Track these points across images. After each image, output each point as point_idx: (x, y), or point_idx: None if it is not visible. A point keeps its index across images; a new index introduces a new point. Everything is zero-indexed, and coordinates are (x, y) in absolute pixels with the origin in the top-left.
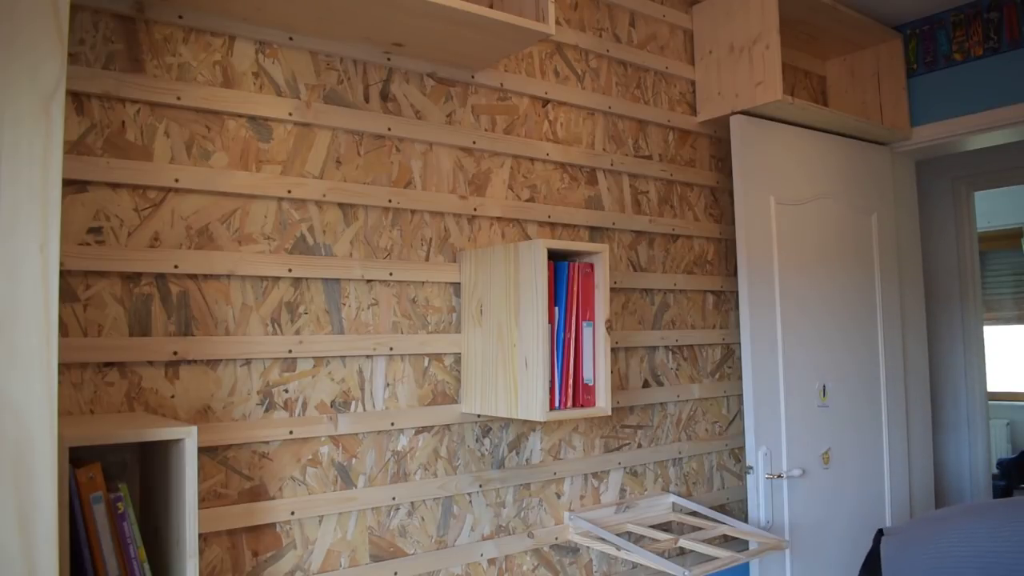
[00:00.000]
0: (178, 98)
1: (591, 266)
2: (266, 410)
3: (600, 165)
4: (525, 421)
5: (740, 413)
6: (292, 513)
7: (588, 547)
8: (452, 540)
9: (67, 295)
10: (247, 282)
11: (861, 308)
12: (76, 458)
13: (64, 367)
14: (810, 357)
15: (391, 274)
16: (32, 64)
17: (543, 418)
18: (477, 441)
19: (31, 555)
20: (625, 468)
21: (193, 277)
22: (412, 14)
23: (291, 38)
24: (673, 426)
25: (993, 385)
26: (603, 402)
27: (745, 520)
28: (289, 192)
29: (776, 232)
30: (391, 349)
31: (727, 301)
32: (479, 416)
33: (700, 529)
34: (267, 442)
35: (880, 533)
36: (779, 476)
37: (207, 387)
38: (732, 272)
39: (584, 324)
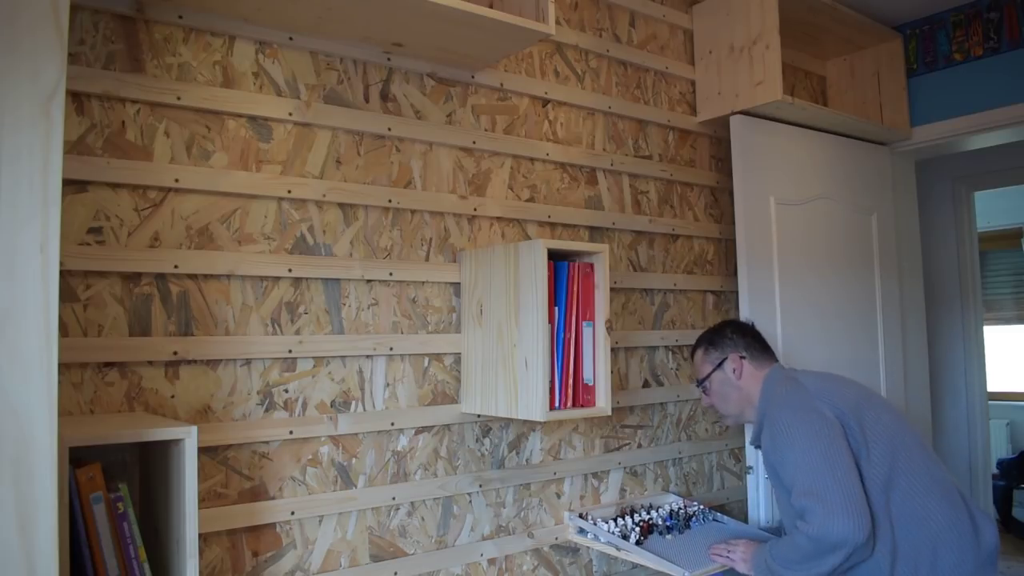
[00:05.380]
0: (178, 98)
1: (591, 266)
2: (266, 410)
3: (600, 165)
4: (525, 421)
5: None
6: (292, 513)
7: (588, 547)
8: (452, 540)
9: (67, 295)
10: (247, 282)
11: (861, 308)
12: (76, 458)
13: (64, 367)
14: (810, 357)
15: (391, 274)
16: (32, 66)
17: (543, 418)
18: (477, 441)
19: (31, 555)
20: (625, 468)
21: (193, 277)
22: (412, 14)
23: (291, 38)
24: (673, 426)
25: (993, 385)
26: (603, 402)
27: (745, 520)
28: (289, 192)
29: (776, 232)
30: (391, 349)
31: (727, 301)
32: (479, 416)
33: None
34: (267, 442)
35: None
36: None
37: (207, 387)
38: (732, 272)
39: (584, 324)
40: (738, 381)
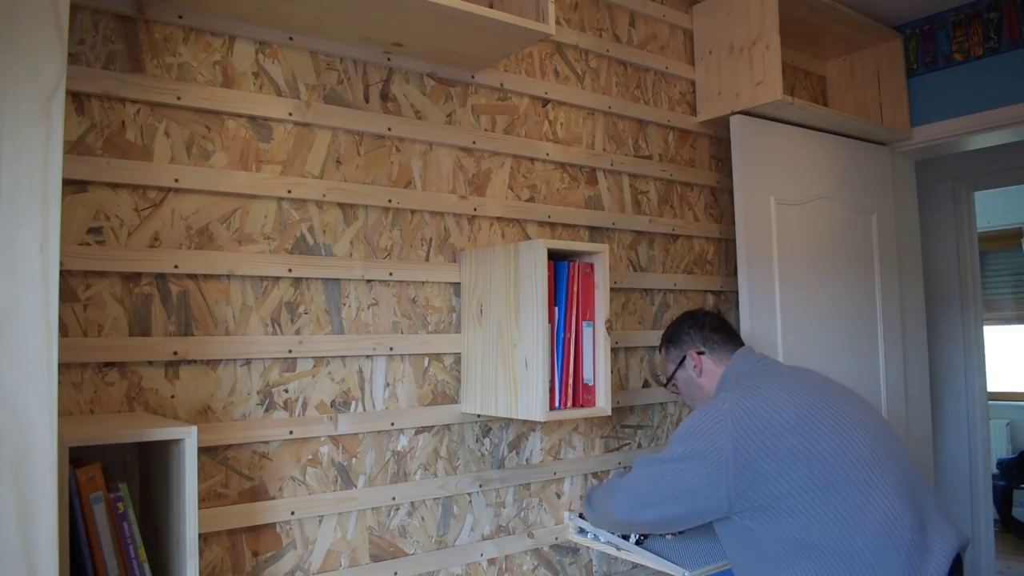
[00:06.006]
0: (178, 98)
1: (591, 266)
2: (266, 410)
3: (600, 165)
4: (525, 421)
5: None
6: (292, 513)
7: (588, 547)
8: (452, 540)
9: (67, 295)
10: (247, 282)
11: (861, 308)
12: (76, 458)
13: (64, 367)
14: (810, 357)
15: (391, 274)
16: (32, 65)
17: (543, 418)
18: (477, 441)
19: (31, 555)
20: (625, 468)
21: (193, 277)
22: (412, 14)
23: (291, 38)
24: (673, 426)
25: (993, 385)
26: (603, 402)
27: None
28: (289, 192)
29: (776, 232)
30: (391, 349)
31: (727, 301)
32: (479, 416)
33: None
34: (267, 442)
35: None
36: None
37: (207, 387)
38: (732, 272)
39: (584, 324)
40: (699, 379)
